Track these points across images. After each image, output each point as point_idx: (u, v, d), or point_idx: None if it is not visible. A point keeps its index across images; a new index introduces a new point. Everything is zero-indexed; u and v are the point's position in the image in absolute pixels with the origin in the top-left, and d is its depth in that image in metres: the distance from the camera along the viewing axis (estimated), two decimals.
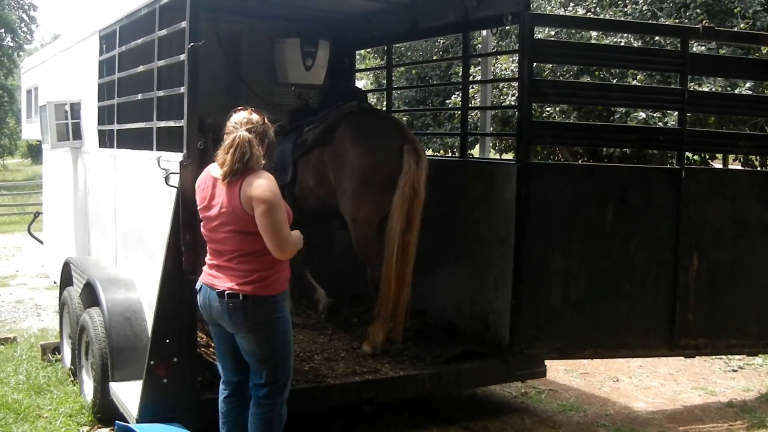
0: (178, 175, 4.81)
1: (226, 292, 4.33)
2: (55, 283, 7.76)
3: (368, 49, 16.73)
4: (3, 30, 46.17)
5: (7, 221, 23.61)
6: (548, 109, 13.47)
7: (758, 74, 8.30)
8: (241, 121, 4.42)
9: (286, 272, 4.50)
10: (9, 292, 11.85)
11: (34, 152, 49.48)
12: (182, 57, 4.94)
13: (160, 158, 5.07)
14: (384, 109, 9.58)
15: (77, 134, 7.44)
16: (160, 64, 5.53)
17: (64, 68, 8.40)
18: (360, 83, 18.66)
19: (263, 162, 4.41)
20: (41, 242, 10.03)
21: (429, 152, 17.52)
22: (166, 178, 4.88)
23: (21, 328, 9.33)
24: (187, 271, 4.82)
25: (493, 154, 16.08)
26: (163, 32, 5.42)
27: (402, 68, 17.75)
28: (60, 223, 8.68)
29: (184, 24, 4.91)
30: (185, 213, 4.78)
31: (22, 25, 48.49)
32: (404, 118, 17.74)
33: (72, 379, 6.67)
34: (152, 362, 4.88)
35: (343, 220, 6.55)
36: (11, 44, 46.64)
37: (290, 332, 4.55)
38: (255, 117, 4.47)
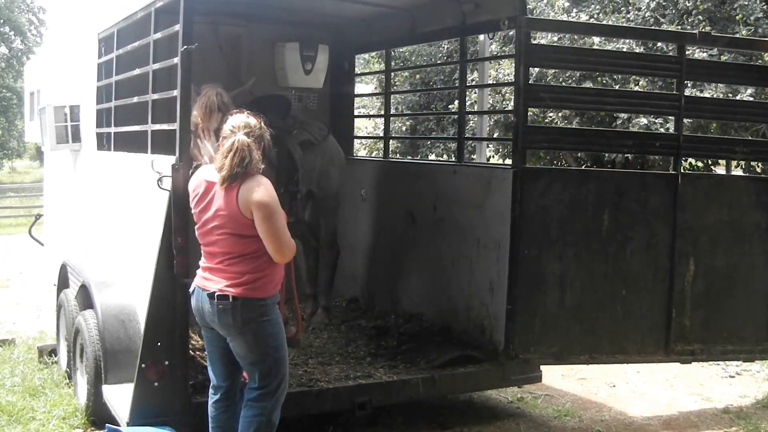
0: (171, 179, 4.82)
1: (216, 294, 4.35)
2: (54, 285, 7.79)
3: (372, 54, 16.74)
4: (12, 33, 46.33)
5: (13, 223, 23.74)
6: (551, 114, 13.46)
7: (756, 80, 8.28)
8: (239, 125, 4.42)
9: (278, 276, 4.51)
10: (10, 294, 11.90)
11: (43, 155, 49.53)
12: (176, 60, 4.97)
13: (153, 161, 5.09)
14: (383, 112, 9.59)
15: (76, 137, 7.46)
16: (155, 67, 5.54)
17: (64, 71, 8.43)
18: (368, 88, 18.72)
19: (262, 166, 4.42)
20: (42, 244, 10.05)
21: (432, 157, 17.51)
22: (159, 181, 4.90)
23: (20, 329, 9.35)
24: (179, 274, 4.84)
25: (496, 159, 16.07)
26: (158, 35, 5.45)
27: (407, 73, 17.76)
28: (59, 225, 8.71)
29: (178, 27, 4.93)
30: (177, 216, 4.79)
31: (32, 27, 48.60)
32: (407, 122, 17.80)
33: (67, 381, 6.69)
34: (143, 365, 4.89)
35: None
36: (21, 47, 46.77)
37: (281, 336, 4.52)
38: (252, 121, 4.47)
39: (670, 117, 10.11)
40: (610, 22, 13.10)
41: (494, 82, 12.92)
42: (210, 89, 5.81)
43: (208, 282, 4.43)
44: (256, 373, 4.47)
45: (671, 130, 10.97)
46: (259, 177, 4.35)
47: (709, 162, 15.38)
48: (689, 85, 10.39)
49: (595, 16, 13.81)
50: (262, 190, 4.28)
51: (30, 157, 57.97)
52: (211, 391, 4.73)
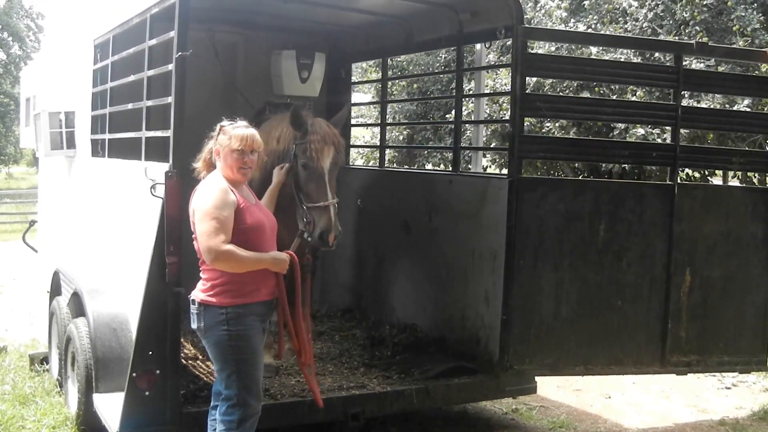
0: (164, 186, 4.78)
1: (190, 298, 4.48)
2: (47, 292, 7.74)
3: (370, 63, 16.73)
4: (11, 38, 46.33)
5: (9, 229, 23.67)
6: (548, 124, 13.45)
7: (753, 91, 8.28)
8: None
9: (247, 288, 4.41)
10: (4, 300, 11.83)
11: (39, 161, 49.38)
12: (170, 67, 4.94)
13: (146, 168, 5.06)
14: (379, 122, 9.57)
15: (71, 143, 7.43)
16: (150, 73, 5.52)
17: (60, 77, 8.40)
18: (366, 97, 18.72)
19: (200, 168, 4.63)
20: (35, 251, 10.00)
21: (429, 166, 17.49)
22: (152, 189, 4.87)
23: (12, 336, 9.29)
24: (170, 283, 4.79)
25: (493, 169, 16.04)
26: (153, 42, 5.42)
27: (404, 82, 17.75)
28: (53, 232, 8.66)
29: (173, 34, 4.91)
30: (170, 224, 4.76)
31: (30, 33, 48.57)
32: (404, 132, 17.78)
33: (58, 389, 6.64)
34: (135, 374, 4.84)
35: None
36: (19, 53, 46.73)
37: (246, 350, 4.41)
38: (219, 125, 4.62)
39: (667, 127, 10.12)
40: (608, 33, 13.11)
41: (491, 92, 12.91)
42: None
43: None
44: (222, 382, 4.49)
45: (668, 141, 11.01)
46: (205, 181, 4.50)
47: (706, 172, 15.37)
48: (686, 95, 10.37)
49: (593, 26, 13.83)
50: (197, 193, 4.44)
51: (27, 163, 57.84)
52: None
